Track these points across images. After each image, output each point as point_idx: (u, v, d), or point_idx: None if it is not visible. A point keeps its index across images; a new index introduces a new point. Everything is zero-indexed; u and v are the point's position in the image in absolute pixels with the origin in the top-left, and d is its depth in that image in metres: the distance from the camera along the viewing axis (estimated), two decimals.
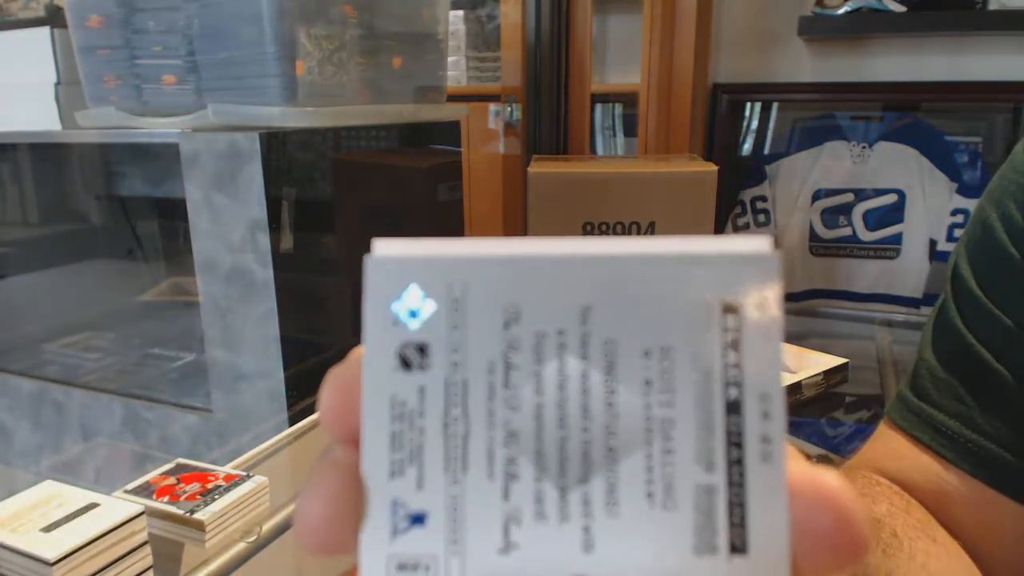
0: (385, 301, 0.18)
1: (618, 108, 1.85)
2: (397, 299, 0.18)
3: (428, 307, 0.18)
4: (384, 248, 0.19)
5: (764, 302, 0.18)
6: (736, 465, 0.17)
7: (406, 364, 0.18)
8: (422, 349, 0.18)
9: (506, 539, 0.17)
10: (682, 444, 0.17)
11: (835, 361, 1.25)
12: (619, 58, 1.81)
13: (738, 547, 0.17)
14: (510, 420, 0.18)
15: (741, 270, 0.18)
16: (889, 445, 0.49)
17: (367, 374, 0.18)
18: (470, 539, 0.18)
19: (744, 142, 1.76)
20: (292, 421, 1.30)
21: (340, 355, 0.19)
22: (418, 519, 0.18)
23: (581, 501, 0.17)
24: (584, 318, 0.18)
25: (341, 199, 1.48)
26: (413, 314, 0.18)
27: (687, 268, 0.18)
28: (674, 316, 0.18)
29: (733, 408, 0.17)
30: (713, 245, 0.18)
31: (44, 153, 1.82)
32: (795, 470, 0.17)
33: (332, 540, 0.18)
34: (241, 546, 0.88)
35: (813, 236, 1.71)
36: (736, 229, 1.74)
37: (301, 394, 1.33)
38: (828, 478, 0.17)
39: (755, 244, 0.18)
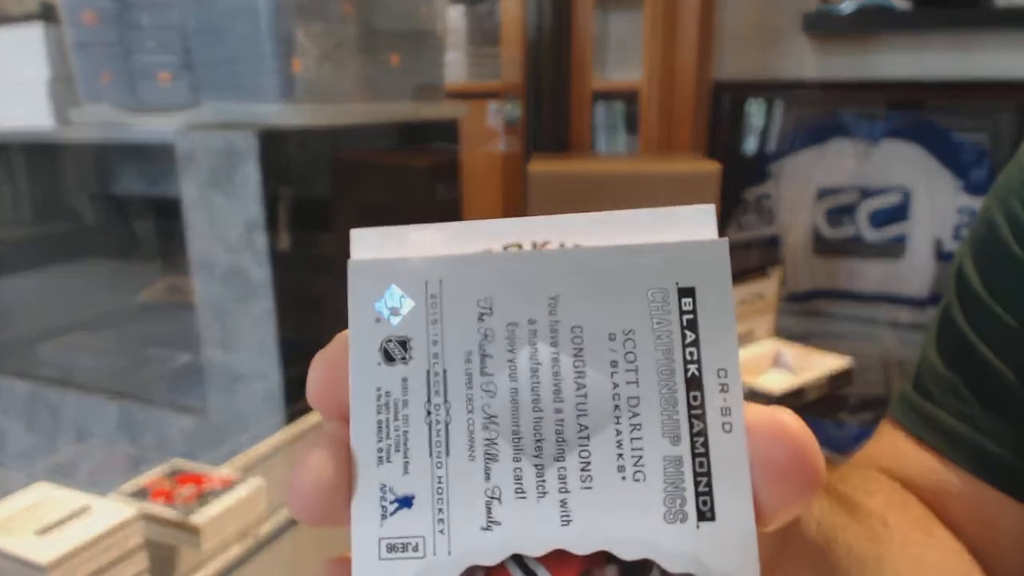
0: (368, 301, 0.20)
1: (620, 106, 1.84)
2: (379, 298, 0.20)
3: (407, 304, 0.20)
4: (362, 241, 0.21)
5: (716, 283, 0.19)
6: (699, 437, 0.19)
7: (389, 358, 0.20)
8: (404, 343, 0.20)
9: (489, 517, 0.19)
10: (649, 419, 0.19)
11: (840, 362, 1.25)
12: (620, 55, 1.80)
13: (706, 514, 0.18)
14: (488, 405, 0.19)
15: (694, 255, 0.19)
16: (890, 443, 0.49)
17: (353, 369, 0.20)
18: (455, 518, 0.19)
19: (747, 140, 1.75)
20: (289, 422, 1.29)
21: None
22: (405, 502, 0.19)
23: (557, 478, 0.19)
24: (552, 307, 0.19)
25: (339, 198, 1.48)
26: (394, 311, 0.20)
27: (644, 256, 0.20)
28: (635, 301, 0.19)
29: (694, 383, 0.19)
30: (666, 232, 0.20)
31: (37, 151, 1.81)
32: (753, 410, 0.19)
33: (323, 510, 0.19)
34: (237, 549, 0.87)
35: (817, 235, 1.70)
36: (739, 228, 1.73)
37: (298, 395, 1.32)
38: (784, 415, 0.19)
39: (704, 228, 0.20)
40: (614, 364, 0.19)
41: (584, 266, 0.20)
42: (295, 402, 1.32)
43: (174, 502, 0.86)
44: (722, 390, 0.19)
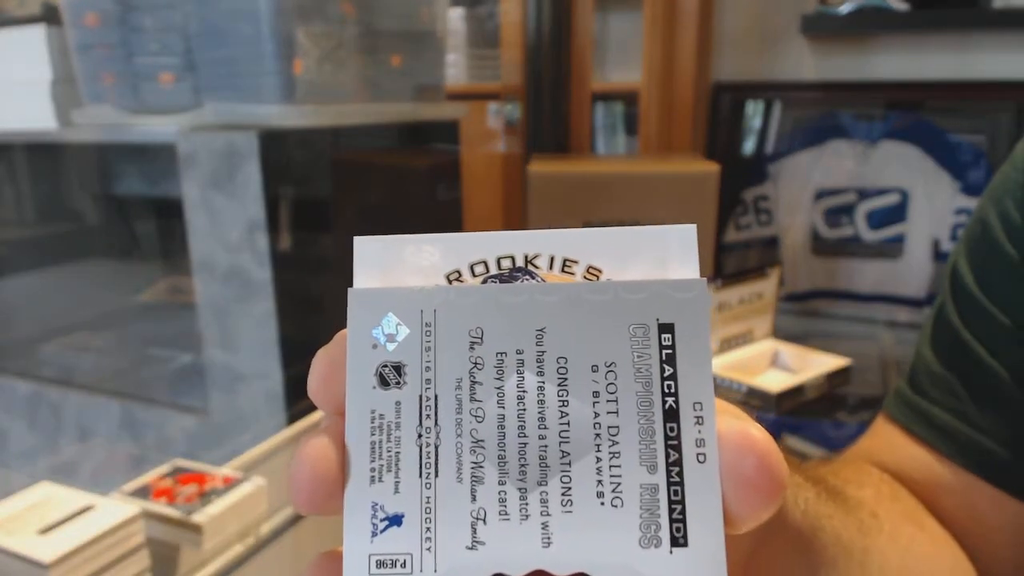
0: (366, 327, 0.21)
1: (619, 107, 1.85)
2: (376, 326, 0.21)
3: (403, 332, 0.21)
4: (363, 249, 0.22)
5: (694, 320, 0.20)
6: (675, 466, 0.20)
7: (384, 382, 0.21)
8: (398, 369, 0.21)
9: (473, 537, 0.20)
10: (627, 448, 0.20)
11: (838, 362, 1.25)
12: (620, 56, 1.80)
13: (679, 540, 0.19)
14: (476, 430, 0.20)
15: (674, 293, 0.21)
16: (885, 438, 0.50)
17: (350, 391, 0.21)
18: (441, 537, 0.20)
19: (746, 141, 1.75)
20: (291, 422, 1.29)
21: None
22: (395, 520, 0.20)
23: (540, 501, 0.20)
24: (539, 339, 0.21)
25: (339, 198, 1.47)
26: (390, 338, 0.21)
27: (627, 293, 0.21)
28: (617, 335, 0.20)
29: (671, 415, 0.20)
30: (650, 250, 0.21)
31: (40, 152, 1.81)
32: (724, 422, 0.20)
33: (320, 499, 0.20)
34: (238, 548, 0.87)
35: (815, 236, 1.70)
36: (738, 229, 1.73)
37: (300, 395, 1.32)
38: (752, 429, 0.20)
39: (685, 247, 0.21)
40: (596, 395, 0.20)
41: (570, 300, 0.21)
42: (296, 402, 1.32)
43: (176, 501, 0.86)
44: (697, 422, 0.20)
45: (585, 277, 0.22)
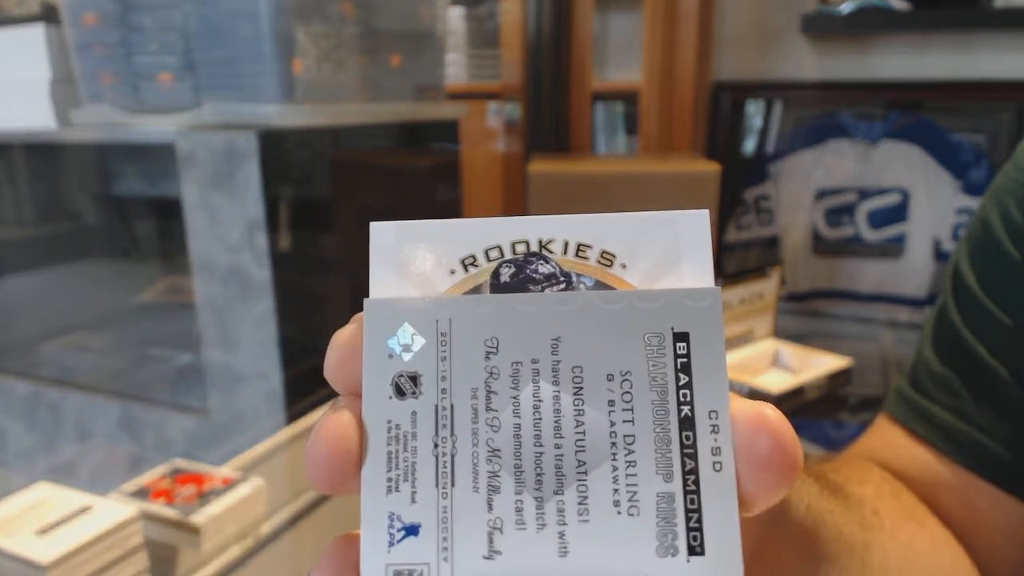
0: (382, 337, 0.21)
1: (619, 106, 1.84)
2: (392, 336, 0.21)
3: (419, 342, 0.21)
4: (380, 234, 0.22)
5: (709, 329, 0.21)
6: (691, 475, 0.20)
7: (400, 392, 0.21)
8: (414, 379, 0.21)
9: (490, 546, 0.20)
10: (643, 456, 0.20)
11: (839, 362, 1.25)
12: (620, 56, 1.80)
13: (696, 549, 0.19)
14: (492, 439, 0.20)
15: (688, 302, 0.21)
16: (885, 436, 0.50)
17: (366, 401, 0.21)
18: (458, 547, 0.20)
19: (746, 140, 1.75)
20: (290, 422, 1.29)
21: None
22: (412, 530, 0.20)
23: (556, 510, 0.20)
24: (555, 348, 0.21)
25: (339, 198, 1.47)
26: (406, 348, 0.21)
27: (641, 303, 0.21)
28: (632, 344, 0.21)
29: (686, 424, 0.20)
30: (662, 252, 0.21)
31: (39, 151, 1.81)
32: (738, 403, 0.20)
33: (336, 477, 0.20)
34: (237, 549, 0.87)
35: (816, 236, 1.70)
36: (739, 229, 1.73)
37: (299, 395, 1.32)
38: (766, 409, 0.20)
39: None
40: (611, 403, 0.20)
41: (585, 310, 0.21)
42: (296, 402, 1.32)
43: (174, 502, 0.86)
44: (713, 431, 0.20)
45: (599, 262, 0.22)
